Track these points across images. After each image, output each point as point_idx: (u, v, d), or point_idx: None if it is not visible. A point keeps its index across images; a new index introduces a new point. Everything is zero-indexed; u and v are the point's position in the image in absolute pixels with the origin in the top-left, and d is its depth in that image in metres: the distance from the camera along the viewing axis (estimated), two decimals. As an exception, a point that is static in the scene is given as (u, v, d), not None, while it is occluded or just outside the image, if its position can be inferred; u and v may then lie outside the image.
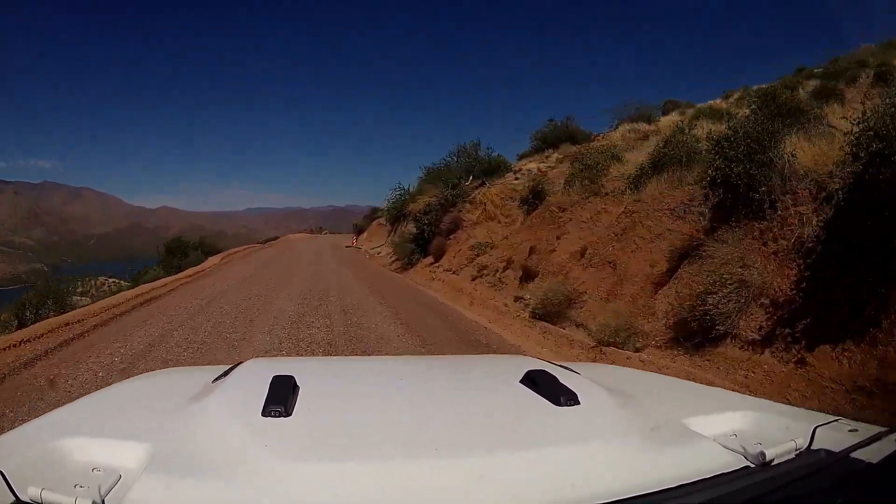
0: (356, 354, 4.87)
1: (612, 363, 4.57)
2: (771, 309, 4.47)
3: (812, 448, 0.76)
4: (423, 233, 13.82)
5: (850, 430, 0.81)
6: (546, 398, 0.89)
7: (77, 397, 1.17)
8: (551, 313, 6.62)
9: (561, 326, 6.37)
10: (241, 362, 1.23)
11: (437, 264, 12.39)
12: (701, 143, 7.27)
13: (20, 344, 5.13)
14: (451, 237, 12.70)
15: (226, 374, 1.12)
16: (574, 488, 0.66)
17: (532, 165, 14.96)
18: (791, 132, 5.52)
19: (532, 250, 8.46)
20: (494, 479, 0.67)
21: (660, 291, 6.10)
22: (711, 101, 15.27)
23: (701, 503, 0.67)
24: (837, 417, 0.87)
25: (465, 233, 12.18)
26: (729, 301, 4.63)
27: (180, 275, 12.21)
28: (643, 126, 13.10)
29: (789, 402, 3.14)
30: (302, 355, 4.81)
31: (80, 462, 0.72)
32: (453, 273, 11.04)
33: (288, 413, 0.81)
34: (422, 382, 1.17)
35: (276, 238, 40.44)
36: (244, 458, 0.69)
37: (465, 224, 12.50)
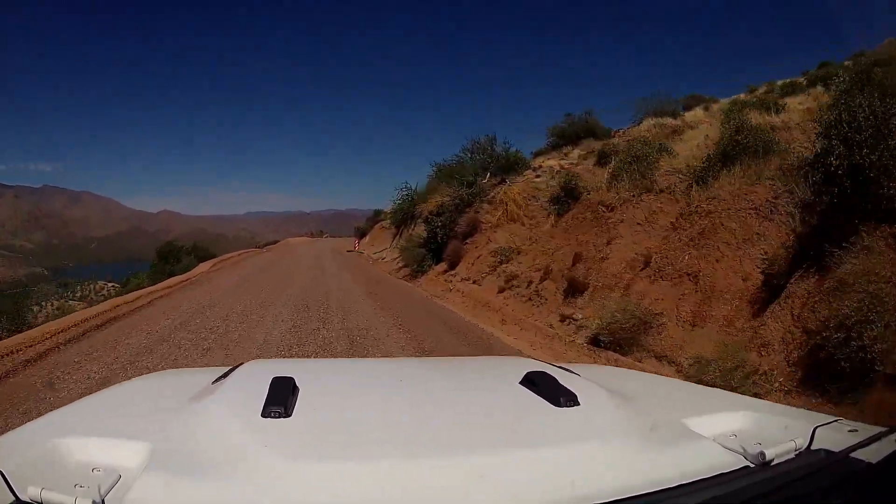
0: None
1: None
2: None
3: (812, 448, 0.75)
4: (435, 236, 12.30)
5: (849, 431, 0.80)
6: (546, 399, 0.88)
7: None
8: (620, 340, 5.15)
9: (635, 358, 4.88)
10: (242, 364, 1.20)
11: (452, 272, 10.89)
12: (770, 132, 6.30)
13: None
14: (467, 241, 11.23)
15: (226, 375, 1.10)
16: (574, 488, 0.65)
17: (552, 162, 13.96)
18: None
19: (577, 258, 6.98)
20: (494, 479, 0.66)
21: (765, 313, 4.67)
22: (734, 97, 14.36)
23: (701, 503, 0.66)
24: (837, 418, 0.86)
25: (485, 236, 10.72)
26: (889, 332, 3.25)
27: (160, 285, 10.64)
28: (669, 121, 12.39)
29: None
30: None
31: (80, 462, 0.71)
32: (473, 283, 9.54)
33: (288, 414, 0.80)
34: (422, 383, 1.16)
35: (275, 242, 39.21)
36: (244, 458, 0.68)
37: (484, 226, 11.04)
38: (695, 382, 4.10)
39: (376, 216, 30.69)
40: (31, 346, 5.25)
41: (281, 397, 0.83)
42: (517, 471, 0.68)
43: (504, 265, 9.06)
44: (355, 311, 7.36)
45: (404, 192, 17.86)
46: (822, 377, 3.71)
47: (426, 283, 11.28)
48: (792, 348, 4.18)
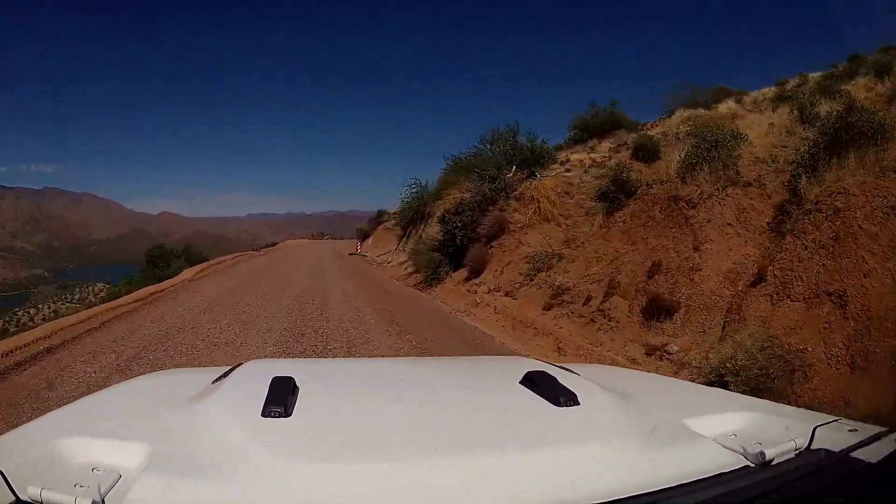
0: None
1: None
2: None
3: (812, 448, 0.74)
4: (453, 238, 10.63)
5: (849, 430, 0.79)
6: (546, 399, 0.87)
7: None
8: (754, 390, 3.52)
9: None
10: (241, 363, 1.18)
11: (476, 281, 9.26)
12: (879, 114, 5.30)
13: None
14: (493, 244, 9.61)
15: (225, 375, 1.09)
16: (574, 488, 0.64)
17: (580, 156, 12.50)
18: None
19: (655, 267, 5.32)
20: (494, 479, 0.65)
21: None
22: (763, 89, 14.04)
23: (701, 503, 0.65)
24: (837, 417, 0.84)
25: (514, 238, 9.12)
26: None
27: (128, 298, 8.94)
28: (701, 112, 11.79)
29: None
30: None
31: (80, 462, 0.70)
32: (506, 295, 7.90)
33: (288, 413, 0.79)
34: (422, 383, 1.15)
35: (274, 244, 37.69)
36: (244, 458, 0.67)
37: (513, 227, 9.41)
38: None
39: (379, 217, 29.55)
40: None
41: (281, 397, 0.82)
42: (517, 471, 0.67)
43: (544, 273, 7.40)
44: (364, 336, 5.68)
45: (414, 189, 16.16)
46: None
47: (444, 293, 9.62)
48: None
